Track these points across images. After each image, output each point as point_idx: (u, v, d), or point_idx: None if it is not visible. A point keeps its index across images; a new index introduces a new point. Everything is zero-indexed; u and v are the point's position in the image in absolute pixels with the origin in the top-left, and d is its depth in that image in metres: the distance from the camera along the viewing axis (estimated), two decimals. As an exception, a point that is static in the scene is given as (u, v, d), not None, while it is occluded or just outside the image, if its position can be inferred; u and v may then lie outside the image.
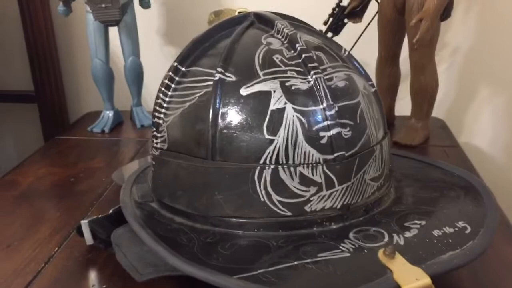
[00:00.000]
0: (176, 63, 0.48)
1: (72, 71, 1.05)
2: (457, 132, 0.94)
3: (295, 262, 0.38)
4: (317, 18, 0.76)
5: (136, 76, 0.86)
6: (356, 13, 0.78)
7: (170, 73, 0.47)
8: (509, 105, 0.94)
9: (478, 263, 0.46)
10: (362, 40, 0.79)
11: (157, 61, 0.96)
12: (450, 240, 0.40)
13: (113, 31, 0.84)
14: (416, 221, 0.43)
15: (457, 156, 0.72)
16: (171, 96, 0.47)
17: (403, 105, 0.84)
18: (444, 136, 0.81)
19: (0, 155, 1.08)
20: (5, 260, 0.50)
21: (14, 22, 1.00)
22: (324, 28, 0.78)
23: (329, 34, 0.79)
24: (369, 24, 0.78)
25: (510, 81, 0.92)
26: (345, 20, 0.78)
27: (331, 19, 0.78)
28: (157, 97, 0.48)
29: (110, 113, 0.87)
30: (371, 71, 0.81)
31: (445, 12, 0.68)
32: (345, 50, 0.50)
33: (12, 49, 1.04)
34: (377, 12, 0.77)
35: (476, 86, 0.94)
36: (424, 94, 0.73)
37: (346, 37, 0.77)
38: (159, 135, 0.48)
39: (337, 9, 0.77)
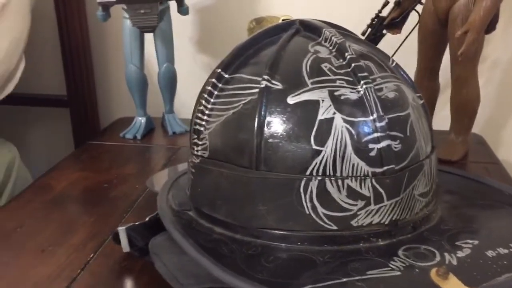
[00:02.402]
0: (219, 70, 0.46)
1: (105, 76, 1.05)
2: (495, 148, 0.91)
3: (344, 279, 0.36)
4: (356, 28, 0.75)
5: (170, 83, 0.85)
6: (395, 24, 0.76)
7: (213, 80, 0.46)
8: (550, 122, 0.91)
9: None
10: (400, 52, 0.77)
11: (190, 69, 0.96)
12: (505, 262, 0.38)
13: (148, 38, 0.83)
14: (468, 241, 0.41)
15: (498, 173, 0.70)
16: (214, 103, 0.46)
17: (440, 120, 0.82)
18: (483, 152, 0.78)
19: (31, 158, 1.08)
20: (40, 265, 0.49)
21: (50, 27, 1.01)
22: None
23: (367, 45, 0.77)
24: (408, 35, 0.76)
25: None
26: (384, 31, 0.77)
27: (369, 29, 0.77)
28: (199, 104, 0.47)
29: (142, 120, 0.87)
30: (409, 84, 0.79)
31: (491, 25, 0.66)
32: (393, 60, 0.48)
33: (47, 53, 1.05)
34: (417, 23, 0.75)
35: (515, 102, 0.92)
36: (465, 108, 0.71)
37: (384, 49, 0.75)
38: (200, 142, 0.47)
39: (376, 19, 0.76)
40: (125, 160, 0.77)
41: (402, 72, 0.48)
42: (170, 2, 0.81)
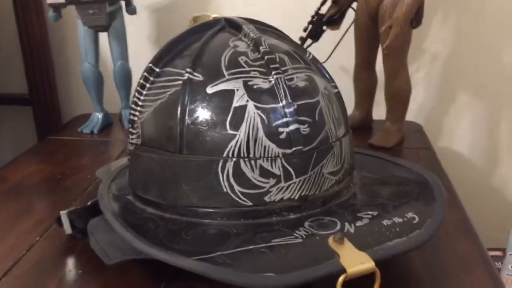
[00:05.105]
0: (150, 64, 0.51)
1: (66, 75, 1.09)
2: (436, 137, 0.97)
3: (250, 247, 0.41)
4: (299, 25, 0.80)
5: (125, 80, 0.89)
6: (334, 21, 0.81)
7: (145, 73, 0.51)
8: (487, 110, 0.97)
9: (433, 255, 0.50)
10: (341, 47, 0.82)
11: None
12: (397, 229, 0.43)
13: (104, 36, 0.87)
14: (369, 212, 0.46)
15: (428, 157, 0.75)
16: (145, 95, 0.51)
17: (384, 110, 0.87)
18: (419, 139, 0.84)
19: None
20: (-11, 248, 0.53)
21: (10, 28, 1.04)
22: (304, 35, 0.82)
23: (309, 41, 0.82)
24: (346, 31, 0.81)
25: (487, 88, 0.96)
26: (324, 27, 0.82)
27: (310, 26, 0.81)
28: (133, 96, 0.52)
29: (99, 115, 0.91)
30: (350, 76, 0.85)
31: (415, 20, 0.71)
32: (310, 53, 0.53)
33: (8, 54, 1.08)
34: (354, 20, 0.80)
35: (455, 93, 0.97)
36: (398, 98, 0.77)
37: (326, 44, 0.80)
38: (134, 131, 0.51)
39: (316, 16, 0.81)
40: (81, 153, 0.81)
41: (318, 65, 0.53)
42: (121, 2, 0.85)
